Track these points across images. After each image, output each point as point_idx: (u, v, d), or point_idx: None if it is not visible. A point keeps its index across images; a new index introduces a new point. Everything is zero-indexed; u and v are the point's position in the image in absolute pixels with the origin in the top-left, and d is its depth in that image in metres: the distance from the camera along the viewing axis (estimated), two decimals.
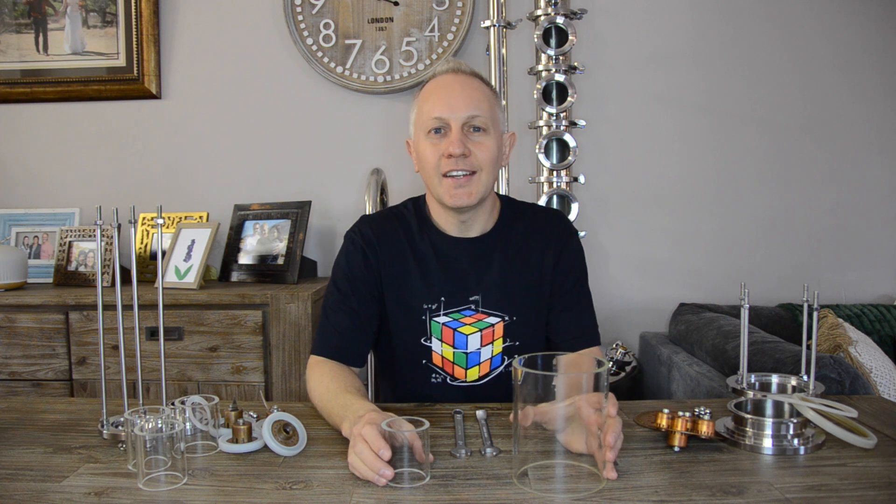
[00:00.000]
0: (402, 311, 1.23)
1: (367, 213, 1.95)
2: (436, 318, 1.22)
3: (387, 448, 0.83)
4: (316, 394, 1.12)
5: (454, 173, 1.16)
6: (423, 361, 1.24)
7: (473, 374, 1.24)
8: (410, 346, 1.24)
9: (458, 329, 1.22)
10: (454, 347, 1.23)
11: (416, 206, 1.30)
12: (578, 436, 0.87)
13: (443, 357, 1.23)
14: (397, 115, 2.40)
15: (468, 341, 1.23)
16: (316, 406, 1.12)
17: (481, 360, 1.24)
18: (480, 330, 1.23)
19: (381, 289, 1.24)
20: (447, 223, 1.25)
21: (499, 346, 1.23)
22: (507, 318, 1.23)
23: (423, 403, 1.21)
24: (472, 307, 1.22)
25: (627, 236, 2.40)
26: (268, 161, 2.45)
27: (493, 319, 1.23)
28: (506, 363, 1.24)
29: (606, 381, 0.86)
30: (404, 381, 1.28)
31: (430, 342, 1.23)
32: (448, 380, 1.24)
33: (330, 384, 1.10)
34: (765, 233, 2.40)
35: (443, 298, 1.22)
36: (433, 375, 1.25)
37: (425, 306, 1.22)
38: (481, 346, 1.23)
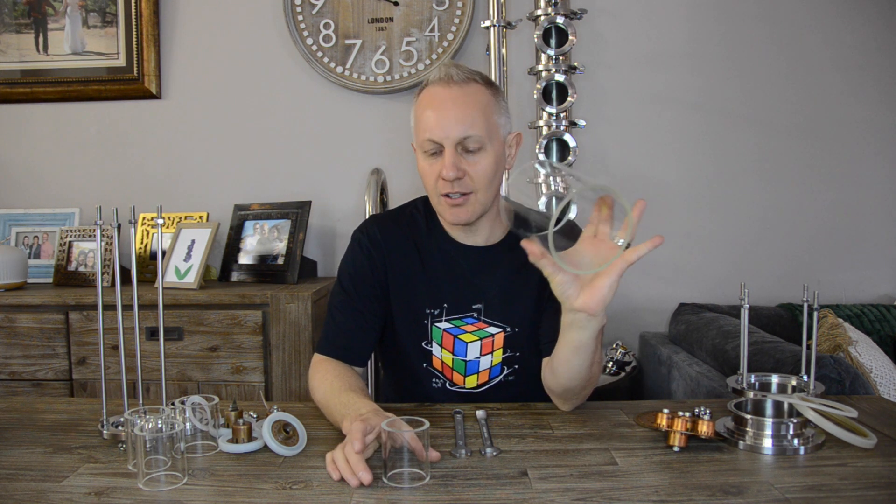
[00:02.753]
0: (405, 313, 1.23)
1: (367, 213, 1.95)
2: (437, 324, 1.22)
3: (361, 443, 0.84)
4: (318, 392, 1.12)
5: (451, 195, 1.15)
6: (424, 365, 1.24)
7: (472, 381, 1.24)
8: (412, 348, 1.24)
9: (459, 336, 1.22)
10: (454, 354, 1.22)
11: (427, 207, 1.28)
12: (593, 285, 0.94)
13: (442, 362, 1.23)
14: (397, 115, 2.40)
15: (468, 349, 1.22)
16: (318, 404, 1.12)
17: (480, 369, 1.23)
18: (480, 339, 1.22)
19: (386, 290, 1.23)
20: (454, 229, 1.24)
21: (498, 356, 1.23)
22: (507, 330, 1.22)
23: (423, 403, 1.21)
24: (475, 315, 1.22)
25: None
26: (268, 161, 2.45)
27: (493, 329, 1.22)
28: (505, 373, 1.24)
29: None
30: (406, 382, 1.28)
31: (431, 346, 1.23)
32: (447, 384, 1.24)
33: (334, 382, 1.10)
34: (765, 232, 2.40)
35: (446, 305, 1.21)
36: (434, 380, 1.25)
37: (428, 311, 1.22)
38: (481, 354, 1.22)
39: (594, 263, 0.95)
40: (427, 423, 0.86)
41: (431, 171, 1.16)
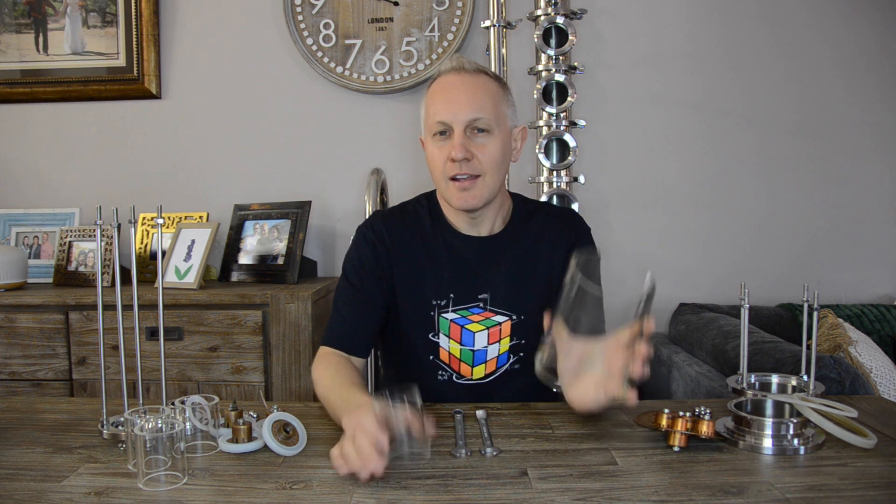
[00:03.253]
0: (411, 306, 1.24)
1: (367, 213, 1.95)
2: (444, 315, 1.23)
3: (385, 438, 0.83)
4: (320, 385, 1.14)
5: (459, 177, 1.17)
6: (431, 357, 1.25)
7: (480, 371, 1.25)
8: (418, 341, 1.25)
9: (466, 326, 1.23)
10: (461, 344, 1.24)
11: (430, 201, 1.30)
12: (586, 387, 0.91)
13: (450, 353, 1.24)
14: (397, 115, 2.40)
15: (475, 338, 1.23)
16: (319, 396, 1.14)
17: (488, 358, 1.24)
18: (488, 328, 1.23)
19: (391, 283, 1.25)
20: (458, 220, 1.26)
21: (505, 344, 1.24)
22: (514, 318, 1.23)
23: (423, 403, 1.21)
24: (481, 305, 1.23)
25: (627, 236, 2.40)
26: (268, 161, 2.45)
27: (500, 318, 1.23)
28: (511, 361, 1.25)
29: (644, 305, 0.89)
30: (411, 377, 1.28)
31: (438, 338, 1.24)
32: (454, 377, 1.25)
33: (336, 377, 1.12)
34: (765, 232, 2.40)
35: (452, 295, 1.23)
36: (440, 372, 1.25)
37: (434, 302, 1.23)
38: (488, 343, 1.24)
39: (600, 371, 0.92)
40: (418, 398, 0.86)
41: (440, 155, 1.18)
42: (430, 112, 1.20)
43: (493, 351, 1.24)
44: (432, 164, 1.21)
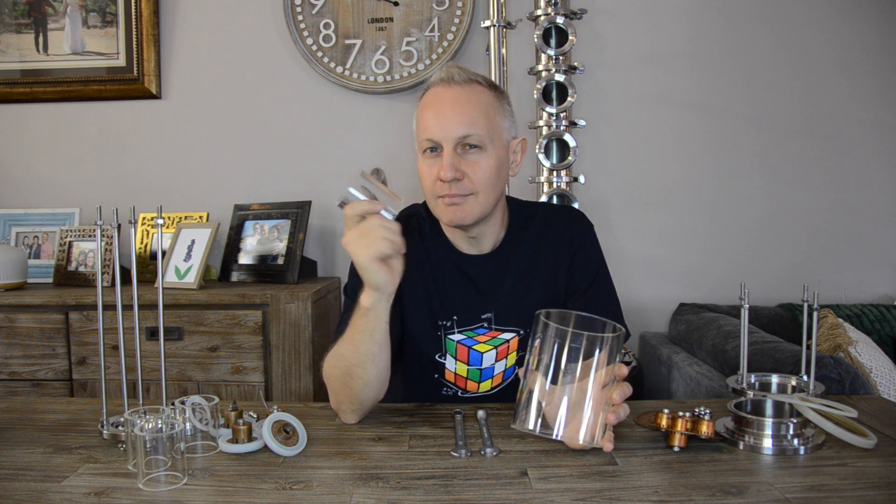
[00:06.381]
0: (417, 325, 1.21)
1: None
2: (450, 336, 1.20)
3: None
4: (332, 359, 1.07)
5: (449, 196, 1.12)
6: (436, 376, 1.23)
7: (486, 386, 1.23)
8: (424, 360, 1.22)
9: (473, 347, 1.20)
10: (468, 364, 1.21)
11: (432, 217, 1.23)
12: (576, 431, 0.89)
13: (456, 374, 1.22)
14: (397, 115, 2.40)
15: (483, 358, 1.21)
16: (336, 367, 1.05)
17: (494, 374, 1.22)
18: (496, 347, 1.20)
19: (400, 303, 1.18)
20: (457, 239, 1.22)
21: (512, 358, 1.21)
22: (521, 332, 1.20)
23: (423, 403, 1.20)
24: (485, 325, 1.20)
25: (627, 236, 2.40)
26: (268, 161, 2.45)
27: (507, 335, 1.20)
28: (517, 372, 1.21)
29: (617, 350, 0.93)
30: (413, 389, 1.27)
31: (445, 359, 1.21)
32: (459, 392, 1.23)
33: (340, 342, 1.06)
34: (765, 233, 2.40)
35: (455, 317, 1.20)
36: (444, 389, 1.24)
37: (440, 323, 1.20)
38: (496, 361, 1.21)
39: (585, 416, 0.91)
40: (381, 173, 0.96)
41: (430, 173, 1.13)
42: (419, 127, 1.14)
43: (499, 367, 1.21)
44: (423, 181, 1.15)
